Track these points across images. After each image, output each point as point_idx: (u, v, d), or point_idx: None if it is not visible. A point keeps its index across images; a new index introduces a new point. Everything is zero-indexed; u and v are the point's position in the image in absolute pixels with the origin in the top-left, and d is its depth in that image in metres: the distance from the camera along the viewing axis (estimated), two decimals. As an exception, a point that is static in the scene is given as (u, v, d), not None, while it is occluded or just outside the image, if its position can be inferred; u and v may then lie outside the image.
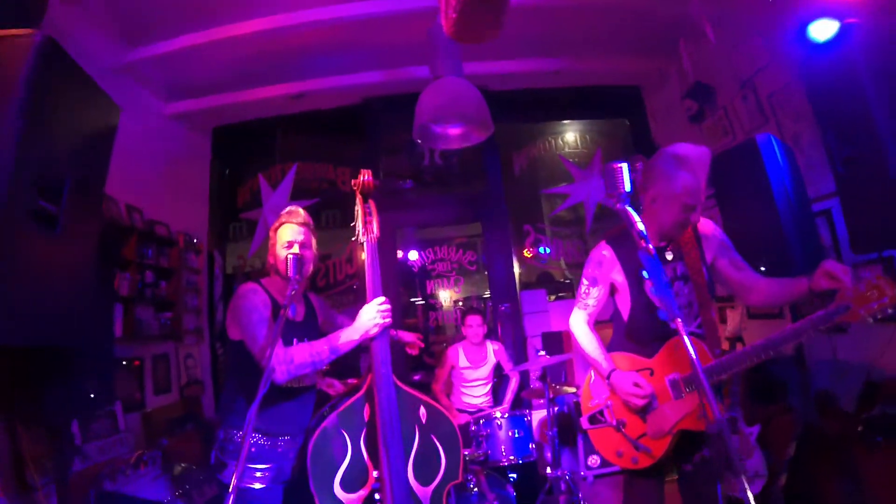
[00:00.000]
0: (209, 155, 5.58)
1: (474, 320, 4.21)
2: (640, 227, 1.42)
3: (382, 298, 2.03)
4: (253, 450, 2.03)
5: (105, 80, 3.79)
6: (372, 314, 1.98)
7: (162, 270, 4.50)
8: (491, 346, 4.31)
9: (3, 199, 1.45)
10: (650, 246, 1.38)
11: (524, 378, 4.54)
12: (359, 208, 2.17)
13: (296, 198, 5.47)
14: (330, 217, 5.50)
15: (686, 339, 1.30)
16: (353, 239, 2.16)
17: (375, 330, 1.98)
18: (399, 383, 2.01)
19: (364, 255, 2.12)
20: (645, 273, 2.03)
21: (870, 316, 1.71)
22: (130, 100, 4.31)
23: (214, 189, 5.60)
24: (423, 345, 2.63)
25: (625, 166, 1.47)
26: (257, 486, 2.04)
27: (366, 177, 2.15)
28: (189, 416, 4.61)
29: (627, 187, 1.47)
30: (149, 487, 3.08)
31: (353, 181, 2.18)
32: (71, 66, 1.75)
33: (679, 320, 1.29)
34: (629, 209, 1.45)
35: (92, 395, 2.36)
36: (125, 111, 3.93)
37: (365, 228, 2.14)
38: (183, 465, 3.40)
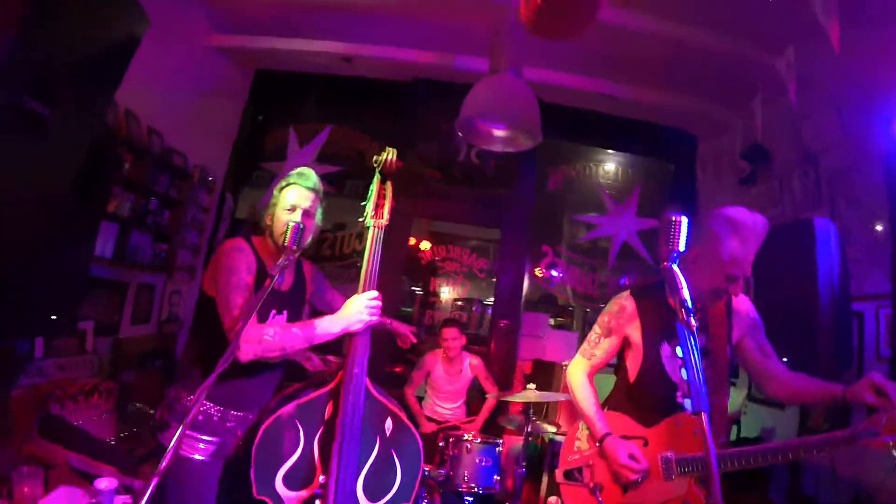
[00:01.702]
0: (246, 96, 5.43)
1: (451, 333, 4.04)
2: (686, 294, 1.23)
3: (375, 293, 1.84)
4: (200, 418, 1.86)
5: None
6: (359, 308, 1.79)
7: (169, 200, 4.35)
8: (468, 360, 4.14)
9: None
10: (693, 321, 1.19)
11: (504, 403, 4.36)
12: (375, 188, 1.99)
13: (321, 160, 5.31)
14: (354, 187, 5.31)
15: (706, 433, 1.11)
16: (361, 220, 1.96)
17: (359, 326, 1.79)
18: (371, 388, 1.83)
19: (367, 239, 1.93)
20: (679, 350, 1.84)
21: (895, 448, 1.54)
22: (176, 22, 4.12)
23: (243, 131, 5.44)
24: (415, 340, 2.45)
25: (685, 220, 1.27)
26: (197, 457, 1.88)
27: (390, 155, 1.96)
28: (162, 353, 4.49)
29: (682, 246, 1.27)
30: (95, 421, 2.92)
31: (374, 157, 1.99)
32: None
33: (704, 414, 1.10)
34: (677, 271, 1.26)
35: (53, 317, 2.19)
36: (167, 32, 3.82)
37: (375, 212, 1.95)
38: (139, 405, 3.25)
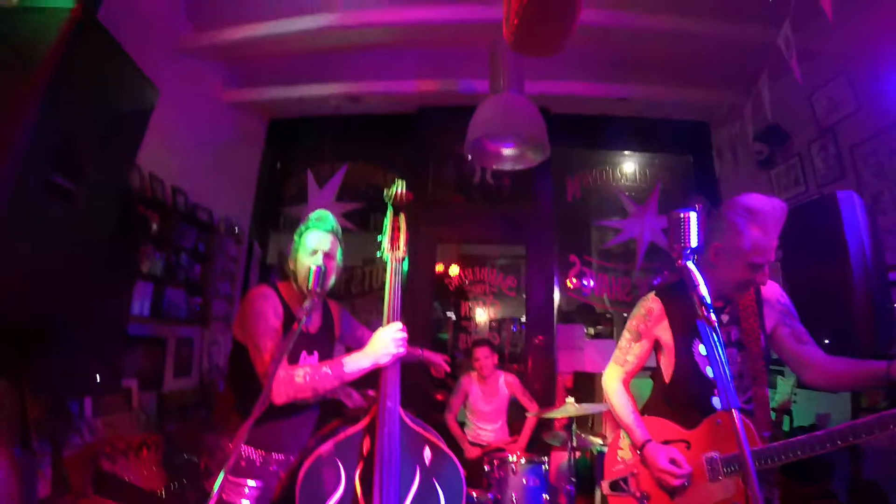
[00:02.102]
0: (262, 145, 5.61)
1: (482, 352, 4.06)
2: (704, 291, 1.22)
3: (399, 325, 1.87)
4: (243, 464, 1.90)
5: (167, 61, 3.83)
6: (385, 342, 1.82)
7: (198, 255, 4.50)
8: (502, 378, 4.13)
9: (15, 172, 1.39)
10: (712, 316, 1.18)
11: (548, 420, 4.30)
12: (388, 221, 2.03)
13: (341, 199, 5.43)
14: (379, 221, 5.34)
15: (739, 431, 1.09)
16: (379, 255, 2.00)
17: (387, 360, 1.82)
18: (406, 419, 1.84)
19: (387, 273, 1.96)
20: (702, 348, 1.81)
21: None
22: (191, 83, 4.36)
23: (263, 179, 5.61)
24: (448, 369, 2.48)
25: (693, 216, 1.27)
26: (244, 502, 1.91)
27: (400, 188, 2.01)
28: (205, 402, 4.58)
29: (694, 242, 1.26)
30: (146, 474, 3.01)
31: (385, 191, 2.04)
32: (109, 44, 1.67)
33: (735, 411, 1.08)
34: (693, 268, 1.25)
35: (98, 377, 2.30)
36: (184, 94, 4.01)
37: (391, 245, 1.99)
38: (186, 456, 3.32)
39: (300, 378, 1.77)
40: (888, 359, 1.66)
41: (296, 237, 2.10)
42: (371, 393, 2.88)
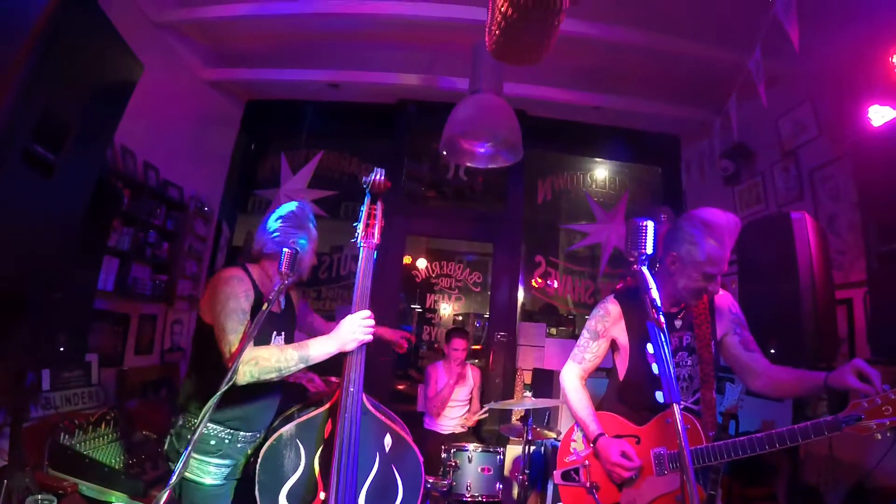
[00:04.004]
0: (238, 126, 5.54)
1: (460, 343, 4.18)
2: (655, 295, 1.30)
3: (368, 312, 1.90)
4: (212, 442, 1.92)
5: (147, 34, 3.76)
6: (354, 328, 1.85)
7: (166, 232, 4.44)
8: (471, 370, 4.25)
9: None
10: (661, 318, 1.26)
11: (505, 413, 4.42)
12: (365, 208, 2.06)
13: (314, 186, 5.41)
14: (349, 209, 5.40)
15: (679, 424, 1.17)
16: (353, 240, 2.03)
17: (353, 345, 1.85)
18: (368, 405, 1.89)
19: (359, 259, 1.99)
20: (650, 347, 1.91)
21: (879, 432, 1.58)
22: (169, 58, 4.31)
23: (236, 160, 5.54)
24: (406, 344, 2.48)
25: (651, 224, 1.35)
26: (210, 481, 1.93)
27: (379, 176, 2.03)
28: (165, 381, 4.53)
29: (650, 249, 1.34)
30: (104, 449, 2.99)
31: (363, 178, 2.06)
32: (96, 15, 1.68)
33: (676, 405, 1.17)
34: (647, 272, 1.33)
35: (62, 349, 2.28)
36: (162, 69, 3.95)
37: (365, 232, 2.01)
38: (145, 433, 3.31)
39: (266, 359, 1.79)
40: (828, 371, 1.76)
41: (272, 222, 2.14)
42: (333, 379, 2.92)
